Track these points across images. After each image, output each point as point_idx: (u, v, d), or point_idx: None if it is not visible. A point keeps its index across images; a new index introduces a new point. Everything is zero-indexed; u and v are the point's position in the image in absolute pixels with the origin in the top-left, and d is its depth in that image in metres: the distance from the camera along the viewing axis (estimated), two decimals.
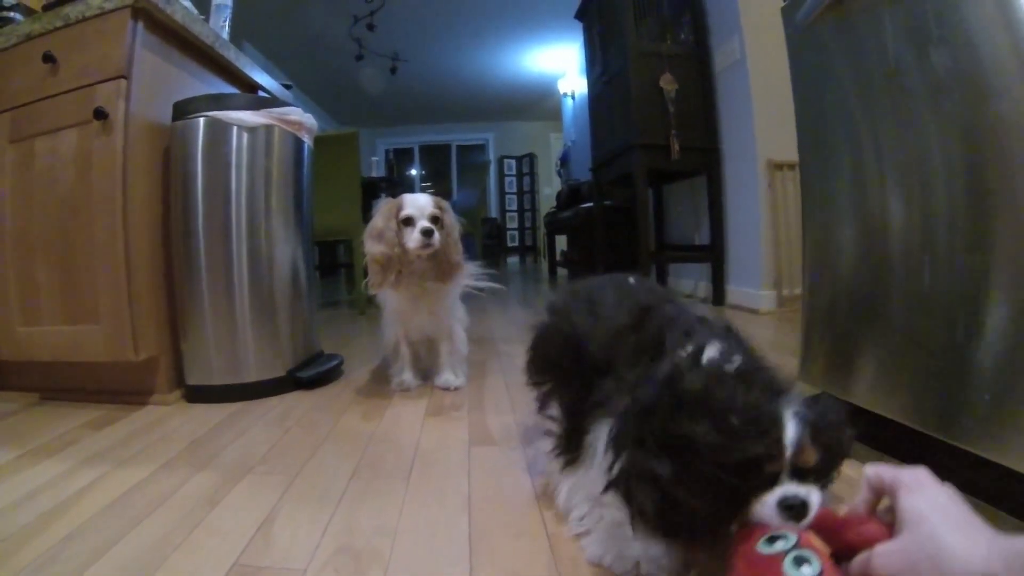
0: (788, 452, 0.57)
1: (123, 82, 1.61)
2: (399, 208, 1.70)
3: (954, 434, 0.90)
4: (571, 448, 0.88)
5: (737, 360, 0.66)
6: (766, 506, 0.57)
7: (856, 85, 1.13)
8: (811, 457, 0.59)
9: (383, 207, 1.72)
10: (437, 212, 1.71)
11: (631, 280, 1.09)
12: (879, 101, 1.07)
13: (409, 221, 1.68)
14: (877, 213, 1.09)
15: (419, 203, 1.70)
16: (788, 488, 0.57)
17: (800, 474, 0.58)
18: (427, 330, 1.85)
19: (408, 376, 1.84)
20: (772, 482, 0.58)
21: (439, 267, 1.73)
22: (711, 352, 0.68)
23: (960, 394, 0.89)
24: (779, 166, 3.01)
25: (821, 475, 0.60)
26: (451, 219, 1.77)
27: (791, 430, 0.57)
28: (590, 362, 0.86)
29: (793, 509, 0.57)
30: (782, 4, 1.34)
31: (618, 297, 0.96)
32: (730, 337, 0.75)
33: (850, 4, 1.12)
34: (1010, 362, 0.81)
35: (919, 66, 0.96)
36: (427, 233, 1.66)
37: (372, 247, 1.68)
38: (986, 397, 0.85)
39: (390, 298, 1.80)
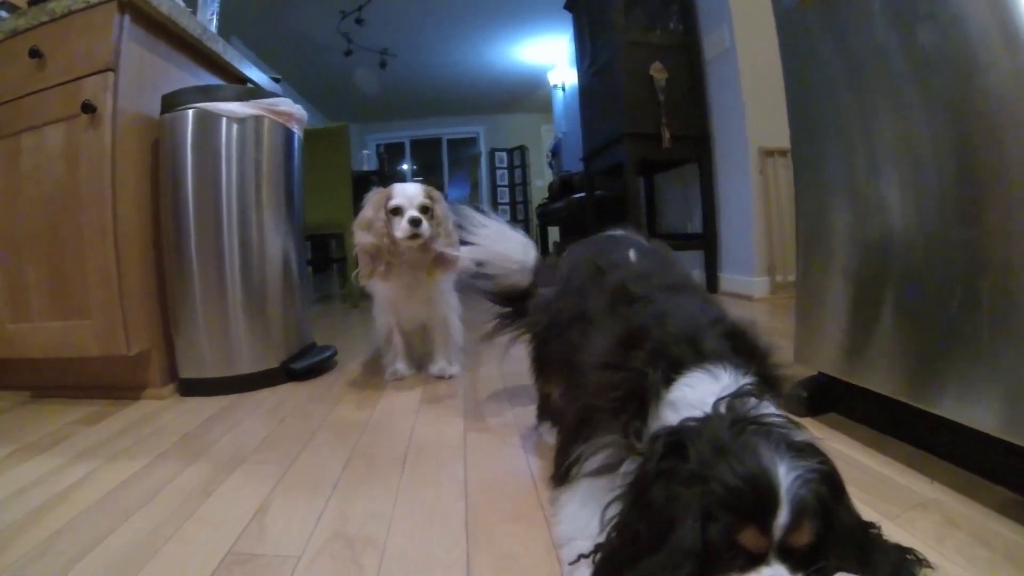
0: (778, 532, 0.50)
1: (110, 75, 1.59)
2: (388, 198, 1.69)
3: (952, 408, 0.91)
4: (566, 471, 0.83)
5: (748, 404, 0.61)
6: None
7: (845, 67, 1.12)
8: (804, 536, 0.51)
9: (373, 197, 1.72)
10: (427, 202, 1.70)
11: (632, 258, 1.03)
12: (868, 82, 1.06)
13: (398, 211, 1.67)
14: (869, 192, 1.09)
15: (408, 192, 1.69)
16: (773, 571, 0.51)
17: (790, 555, 0.51)
18: (420, 319, 1.85)
19: (401, 365, 1.84)
20: (756, 561, 0.51)
21: (430, 257, 1.72)
22: (710, 385, 0.65)
23: (957, 368, 0.89)
24: (770, 152, 3.01)
25: (814, 558, 0.52)
26: (443, 209, 1.76)
27: (786, 507, 0.50)
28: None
29: None
30: None
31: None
32: (746, 361, 0.69)
33: None
34: (1006, 333, 0.81)
35: (907, 44, 0.96)
36: (415, 223, 1.65)
37: (361, 237, 1.67)
38: (980, 369, 0.85)
39: (381, 288, 1.79)
